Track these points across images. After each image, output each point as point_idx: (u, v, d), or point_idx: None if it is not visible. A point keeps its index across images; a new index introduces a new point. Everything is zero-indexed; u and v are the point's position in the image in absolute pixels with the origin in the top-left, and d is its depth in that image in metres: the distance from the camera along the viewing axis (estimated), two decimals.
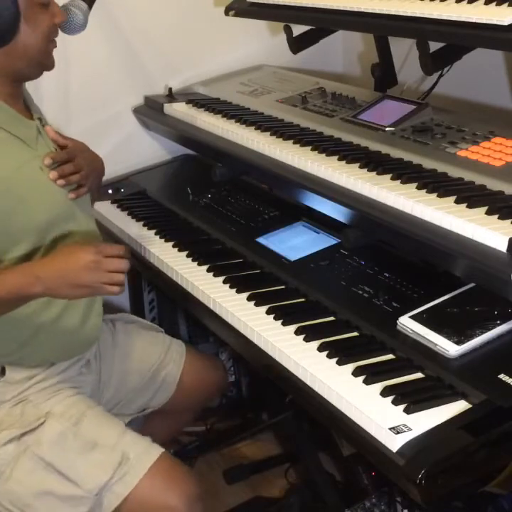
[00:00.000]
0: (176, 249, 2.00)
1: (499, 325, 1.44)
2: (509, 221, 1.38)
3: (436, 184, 1.55)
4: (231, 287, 1.78)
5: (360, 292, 1.67)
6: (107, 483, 1.51)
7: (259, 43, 2.67)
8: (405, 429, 1.26)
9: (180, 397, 1.92)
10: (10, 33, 1.49)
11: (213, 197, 2.28)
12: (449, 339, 1.42)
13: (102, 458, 1.53)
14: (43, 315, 1.58)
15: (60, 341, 1.64)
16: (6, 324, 1.54)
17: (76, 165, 1.66)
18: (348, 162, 1.73)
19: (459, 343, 1.41)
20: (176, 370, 1.91)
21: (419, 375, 1.42)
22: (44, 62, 1.60)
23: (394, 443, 1.24)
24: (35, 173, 1.58)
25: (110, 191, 2.41)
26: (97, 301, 1.71)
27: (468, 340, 1.41)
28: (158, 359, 1.90)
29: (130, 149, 2.57)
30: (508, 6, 1.49)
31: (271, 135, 1.99)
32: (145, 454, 1.56)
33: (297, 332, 1.57)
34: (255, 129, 2.05)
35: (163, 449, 1.60)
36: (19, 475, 1.51)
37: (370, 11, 1.75)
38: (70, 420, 1.57)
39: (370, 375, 1.40)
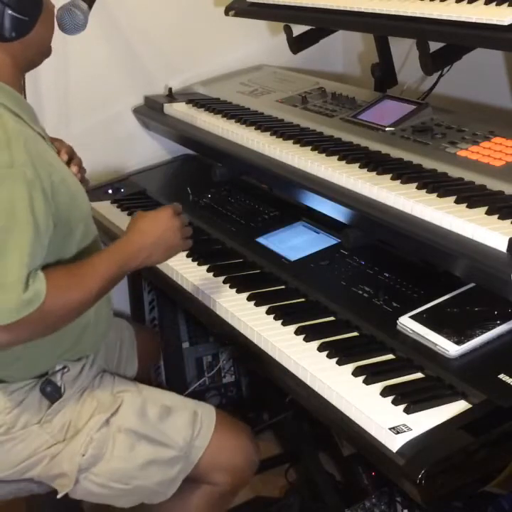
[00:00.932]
0: None
1: (499, 325, 1.44)
2: (509, 221, 1.38)
3: (436, 184, 1.55)
4: (231, 287, 1.78)
5: (360, 292, 1.67)
6: (191, 439, 1.64)
7: (259, 43, 2.67)
8: (405, 429, 1.26)
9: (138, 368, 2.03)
10: (33, 23, 1.50)
11: (213, 197, 2.28)
12: (449, 339, 1.42)
13: (180, 418, 1.65)
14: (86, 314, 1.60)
15: (98, 332, 1.71)
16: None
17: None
18: (348, 162, 1.73)
19: (459, 343, 1.41)
20: (132, 342, 2.00)
21: (419, 375, 1.42)
22: (49, 51, 1.61)
23: (394, 443, 1.24)
24: (67, 168, 1.61)
25: (110, 191, 2.41)
26: None
27: (468, 340, 1.41)
28: (117, 335, 1.96)
29: (130, 149, 2.57)
30: (508, 6, 1.49)
31: (271, 135, 1.99)
32: (206, 408, 1.71)
33: (297, 332, 1.57)
34: (255, 129, 2.05)
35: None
36: (120, 453, 1.59)
37: (370, 11, 1.75)
38: (137, 393, 1.67)
39: (370, 375, 1.40)
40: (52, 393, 1.59)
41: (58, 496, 1.59)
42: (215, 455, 1.66)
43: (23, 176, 1.36)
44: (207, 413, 1.69)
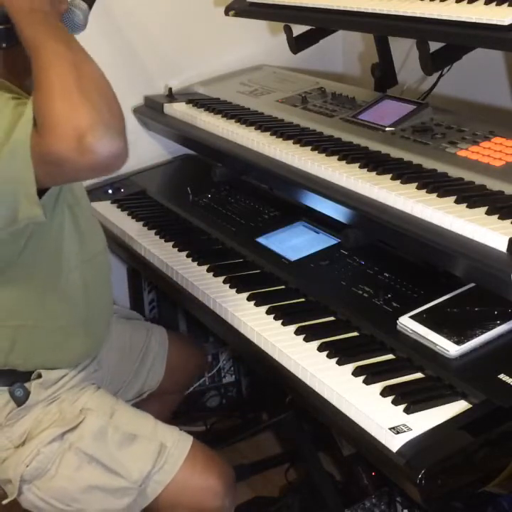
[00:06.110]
0: (176, 249, 2.00)
1: (499, 325, 1.44)
2: (509, 221, 1.38)
3: (436, 184, 1.55)
4: (231, 287, 1.78)
5: (360, 292, 1.67)
6: (149, 473, 1.55)
7: (259, 43, 2.66)
8: (405, 429, 1.26)
9: (169, 378, 1.99)
10: None
11: (213, 197, 2.28)
12: (449, 339, 1.42)
13: (142, 449, 1.57)
14: (73, 316, 1.59)
15: (87, 341, 1.67)
16: (40, 330, 1.56)
17: None
18: (348, 162, 1.73)
19: (459, 343, 1.41)
20: (162, 351, 1.98)
21: (419, 375, 1.42)
22: None
23: (394, 443, 1.24)
24: None
25: (110, 191, 2.40)
26: (109, 295, 1.74)
27: (468, 340, 1.41)
28: (144, 343, 1.95)
29: (130, 149, 2.55)
30: (508, 6, 1.49)
31: (271, 135, 1.98)
32: (181, 441, 1.61)
33: (297, 332, 1.57)
34: (255, 129, 2.05)
35: (192, 437, 1.64)
36: (65, 471, 1.53)
37: (370, 11, 1.74)
38: (106, 415, 1.60)
39: (370, 375, 1.40)
40: (20, 397, 1.56)
41: (4, 502, 1.54)
42: (179, 493, 1.57)
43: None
44: (179, 446, 1.59)
